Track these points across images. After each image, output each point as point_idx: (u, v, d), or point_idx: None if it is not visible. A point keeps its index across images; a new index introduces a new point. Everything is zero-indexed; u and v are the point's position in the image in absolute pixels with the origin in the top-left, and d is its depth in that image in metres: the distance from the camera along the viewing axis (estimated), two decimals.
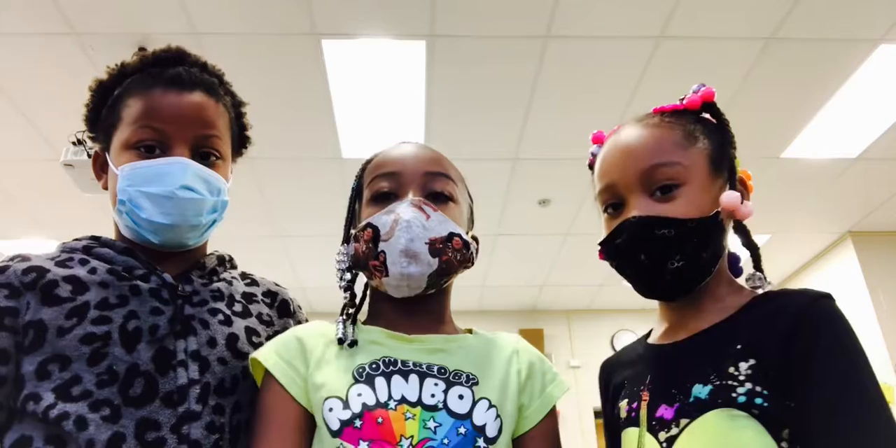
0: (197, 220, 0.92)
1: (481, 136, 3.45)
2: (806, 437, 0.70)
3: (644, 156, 0.86)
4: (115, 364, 0.81)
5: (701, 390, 0.77)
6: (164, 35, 2.74)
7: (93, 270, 0.88)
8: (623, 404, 0.88)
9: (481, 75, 3.05)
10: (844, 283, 4.55)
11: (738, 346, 0.77)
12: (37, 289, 0.82)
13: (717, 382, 0.76)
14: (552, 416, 0.89)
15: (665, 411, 0.79)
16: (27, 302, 0.82)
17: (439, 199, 0.91)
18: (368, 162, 0.98)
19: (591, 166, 1.01)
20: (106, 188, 0.97)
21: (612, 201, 0.89)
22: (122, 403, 0.79)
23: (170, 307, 0.88)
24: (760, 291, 0.87)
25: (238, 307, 0.98)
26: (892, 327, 4.20)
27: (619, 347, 6.12)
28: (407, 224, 0.84)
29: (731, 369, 0.76)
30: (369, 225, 0.87)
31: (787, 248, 4.74)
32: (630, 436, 0.84)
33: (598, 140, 0.98)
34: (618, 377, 0.94)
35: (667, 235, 0.81)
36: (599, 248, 0.93)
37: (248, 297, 1.02)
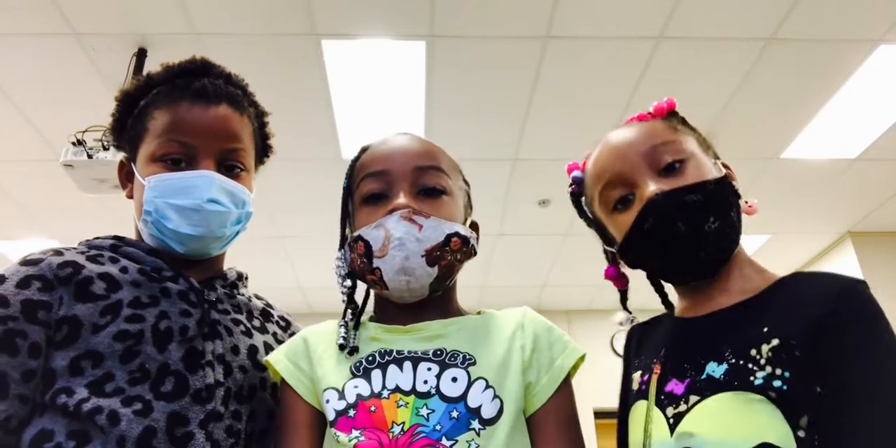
0: (221, 231, 0.94)
1: (481, 137, 3.45)
2: (832, 423, 0.68)
3: (641, 140, 0.89)
4: (147, 362, 0.82)
5: (715, 369, 0.76)
6: (164, 35, 2.75)
7: (124, 269, 0.89)
8: (636, 376, 0.88)
9: (481, 76, 3.05)
10: None
11: (765, 329, 0.76)
12: (72, 284, 0.83)
13: (733, 361, 0.75)
14: (566, 390, 0.85)
15: (675, 386, 0.79)
16: (60, 296, 0.82)
17: (432, 193, 0.89)
18: (357, 158, 0.96)
19: (575, 195, 1.01)
20: (130, 197, 0.99)
21: (622, 194, 0.88)
22: (153, 398, 0.80)
23: (198, 310, 0.90)
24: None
25: (256, 323, 1.00)
26: (892, 327, 4.20)
27: (619, 348, 6.02)
28: (399, 242, 0.82)
29: (753, 351, 0.75)
30: (361, 238, 0.86)
31: (787, 248, 4.74)
32: (639, 409, 0.83)
33: (575, 167, 1.01)
34: (637, 351, 0.93)
35: (696, 199, 0.83)
36: (614, 252, 0.92)
37: (266, 316, 1.04)
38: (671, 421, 0.77)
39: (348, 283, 0.90)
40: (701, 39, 2.87)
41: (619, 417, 0.93)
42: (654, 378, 0.83)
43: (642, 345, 0.93)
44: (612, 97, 3.19)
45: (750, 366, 0.74)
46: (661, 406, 0.79)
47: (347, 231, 0.94)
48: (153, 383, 0.81)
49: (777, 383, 0.71)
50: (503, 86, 3.12)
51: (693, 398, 0.76)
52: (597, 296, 5.46)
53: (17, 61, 2.85)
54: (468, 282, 5.26)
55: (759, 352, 0.75)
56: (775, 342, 0.74)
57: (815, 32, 2.83)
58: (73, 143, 2.59)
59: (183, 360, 0.84)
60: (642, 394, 0.84)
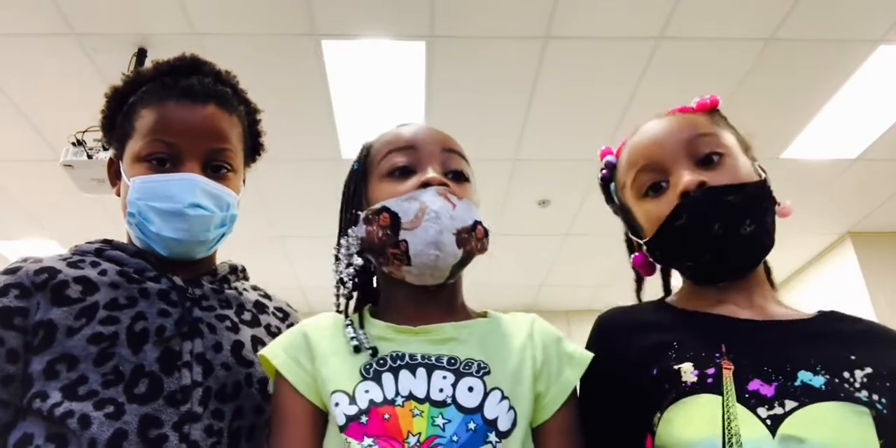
0: (205, 235, 0.93)
1: (481, 137, 3.45)
2: None
3: (683, 129, 0.89)
4: (122, 364, 0.81)
5: (811, 378, 0.77)
6: (164, 35, 2.75)
7: (103, 272, 0.89)
8: (686, 367, 0.82)
9: (481, 76, 3.05)
10: (844, 283, 4.55)
11: (852, 357, 0.79)
12: (48, 289, 0.84)
13: (829, 377, 0.77)
14: (572, 400, 0.84)
15: (761, 387, 0.78)
16: (37, 302, 0.83)
17: (459, 178, 0.88)
18: (376, 140, 0.94)
19: (605, 181, 1.01)
20: (119, 195, 0.98)
21: (654, 180, 0.88)
22: (126, 401, 0.80)
23: (178, 309, 0.89)
24: None
25: (247, 316, 0.98)
26: (892, 328, 4.20)
27: None
28: (436, 214, 0.80)
29: (846, 373, 0.77)
30: (386, 209, 0.83)
31: (787, 248, 4.73)
32: (705, 402, 0.79)
33: (609, 152, 1.00)
34: (645, 339, 0.87)
35: (735, 201, 0.82)
36: (642, 243, 0.91)
37: (260, 308, 1.03)
38: (768, 422, 0.76)
39: (359, 261, 0.86)
40: (701, 39, 2.87)
41: (617, 410, 0.87)
42: (728, 373, 0.80)
43: (644, 337, 0.87)
44: (612, 97, 3.18)
45: (846, 385, 0.77)
46: (749, 405, 0.77)
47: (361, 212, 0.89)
48: (127, 385, 0.80)
49: (878, 406, 0.75)
50: (503, 86, 3.12)
51: (790, 403, 0.76)
52: (596, 296, 5.45)
53: (17, 61, 2.85)
54: (467, 282, 5.24)
55: (852, 375, 0.77)
56: (868, 370, 0.78)
57: (815, 32, 2.83)
58: (73, 144, 2.59)
59: (158, 362, 0.83)
60: (709, 387, 0.80)
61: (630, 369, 0.85)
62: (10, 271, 0.85)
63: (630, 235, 0.97)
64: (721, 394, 0.78)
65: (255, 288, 1.07)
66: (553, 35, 2.83)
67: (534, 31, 2.80)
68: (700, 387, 0.80)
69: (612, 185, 0.99)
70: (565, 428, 0.83)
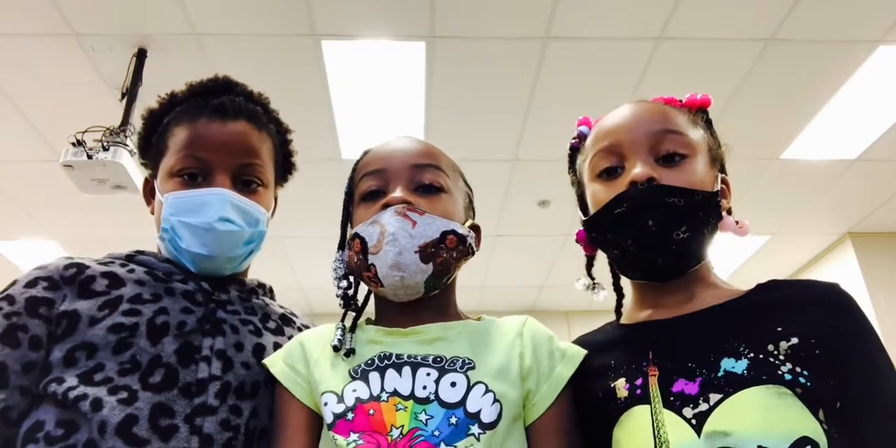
0: (233, 252, 0.95)
1: (481, 137, 3.45)
2: (845, 410, 0.72)
3: (656, 120, 0.87)
4: (139, 354, 0.83)
5: (734, 364, 0.75)
6: (164, 35, 2.75)
7: (131, 271, 0.92)
8: (620, 383, 0.83)
9: (481, 76, 3.05)
10: (844, 283, 4.50)
11: (778, 328, 0.76)
12: (75, 283, 0.87)
13: (752, 356, 0.74)
14: (566, 400, 0.84)
15: (686, 386, 0.76)
16: (64, 295, 0.86)
17: (429, 190, 0.89)
18: (358, 161, 0.96)
19: (574, 149, 1.00)
20: (153, 213, 1.01)
21: (610, 164, 0.86)
22: (140, 388, 0.81)
23: (201, 308, 0.91)
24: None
25: (272, 325, 1.00)
26: (892, 328, 4.20)
27: None
28: (392, 237, 0.82)
29: (770, 347, 0.75)
30: (357, 235, 0.86)
31: (787, 249, 4.73)
32: (638, 414, 0.78)
33: (586, 123, 0.98)
34: (596, 361, 0.87)
35: (677, 204, 0.81)
36: (584, 221, 0.90)
37: (286, 321, 1.04)
38: (693, 421, 0.73)
39: (344, 283, 0.90)
40: (701, 39, 2.87)
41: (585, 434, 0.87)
42: (654, 381, 0.79)
43: (595, 360, 0.88)
44: (612, 97, 3.17)
45: (770, 360, 0.74)
46: (674, 408, 0.76)
47: (348, 232, 0.94)
48: (142, 374, 0.82)
49: (801, 380, 0.72)
50: (503, 86, 3.12)
51: (714, 396, 0.73)
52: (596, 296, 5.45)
53: (17, 61, 2.85)
54: (467, 282, 5.25)
55: (776, 348, 0.74)
56: (794, 340, 0.74)
57: (815, 33, 2.83)
58: (73, 144, 2.58)
59: (176, 354, 0.85)
60: (639, 399, 0.79)
61: (586, 395, 0.86)
62: (42, 267, 0.89)
63: (580, 212, 0.96)
64: (650, 402, 0.78)
65: (281, 307, 1.09)
66: (553, 35, 2.83)
67: (534, 31, 2.80)
68: (631, 400, 0.80)
69: (579, 157, 0.98)
70: (559, 427, 0.83)
